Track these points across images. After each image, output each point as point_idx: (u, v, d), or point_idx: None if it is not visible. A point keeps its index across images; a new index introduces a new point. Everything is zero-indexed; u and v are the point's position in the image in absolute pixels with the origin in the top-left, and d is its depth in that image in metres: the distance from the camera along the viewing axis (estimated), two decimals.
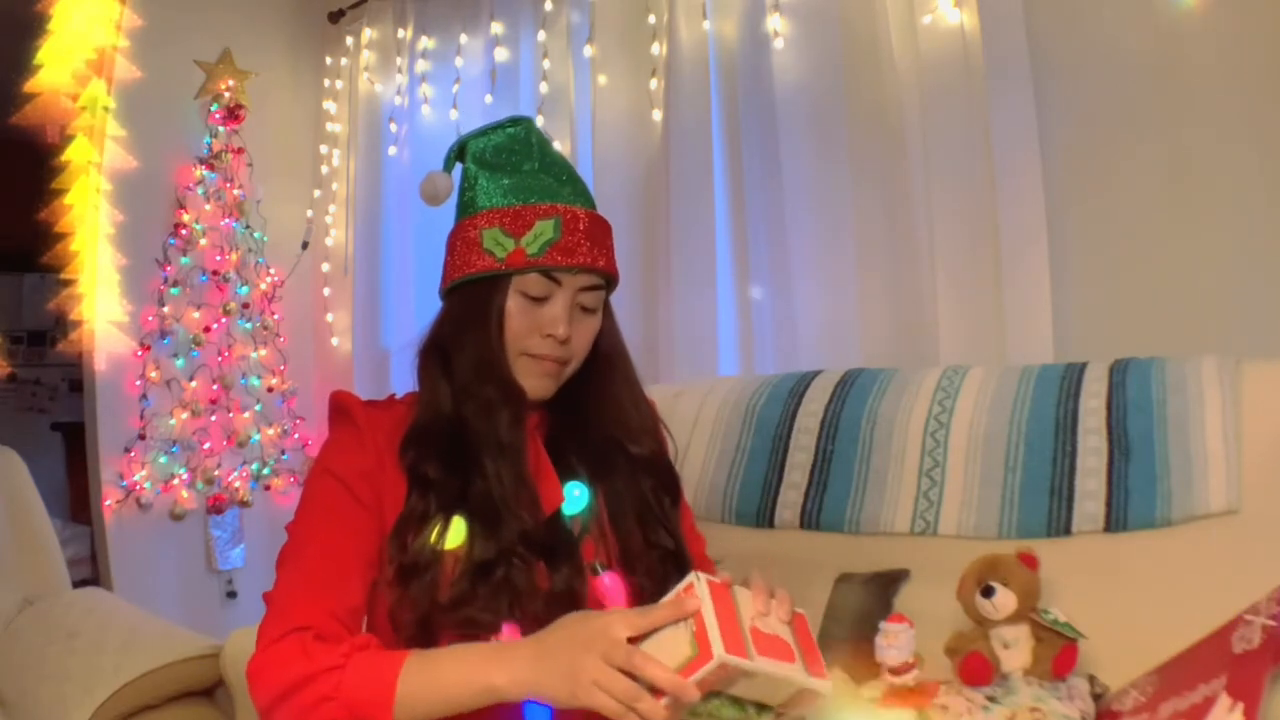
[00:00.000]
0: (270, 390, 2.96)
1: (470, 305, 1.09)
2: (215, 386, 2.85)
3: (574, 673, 0.85)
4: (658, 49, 2.32)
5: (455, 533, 1.02)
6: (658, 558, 1.11)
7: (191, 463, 2.81)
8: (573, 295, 1.08)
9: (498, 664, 0.90)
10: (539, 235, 1.06)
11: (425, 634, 0.99)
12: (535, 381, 1.09)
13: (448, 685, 0.92)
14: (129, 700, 1.80)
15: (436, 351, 1.11)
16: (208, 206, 2.86)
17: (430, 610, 0.99)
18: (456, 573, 1.00)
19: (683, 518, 1.19)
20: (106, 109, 2.67)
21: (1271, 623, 0.87)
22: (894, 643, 1.06)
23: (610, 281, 1.14)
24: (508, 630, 0.98)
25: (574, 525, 1.08)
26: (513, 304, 1.07)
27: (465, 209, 1.12)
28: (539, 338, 1.07)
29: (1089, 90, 1.80)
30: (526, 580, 1.00)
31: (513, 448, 1.06)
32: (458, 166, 1.16)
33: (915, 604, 1.26)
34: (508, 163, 1.12)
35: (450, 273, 1.11)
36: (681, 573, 0.99)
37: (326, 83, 3.13)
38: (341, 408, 1.12)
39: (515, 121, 1.15)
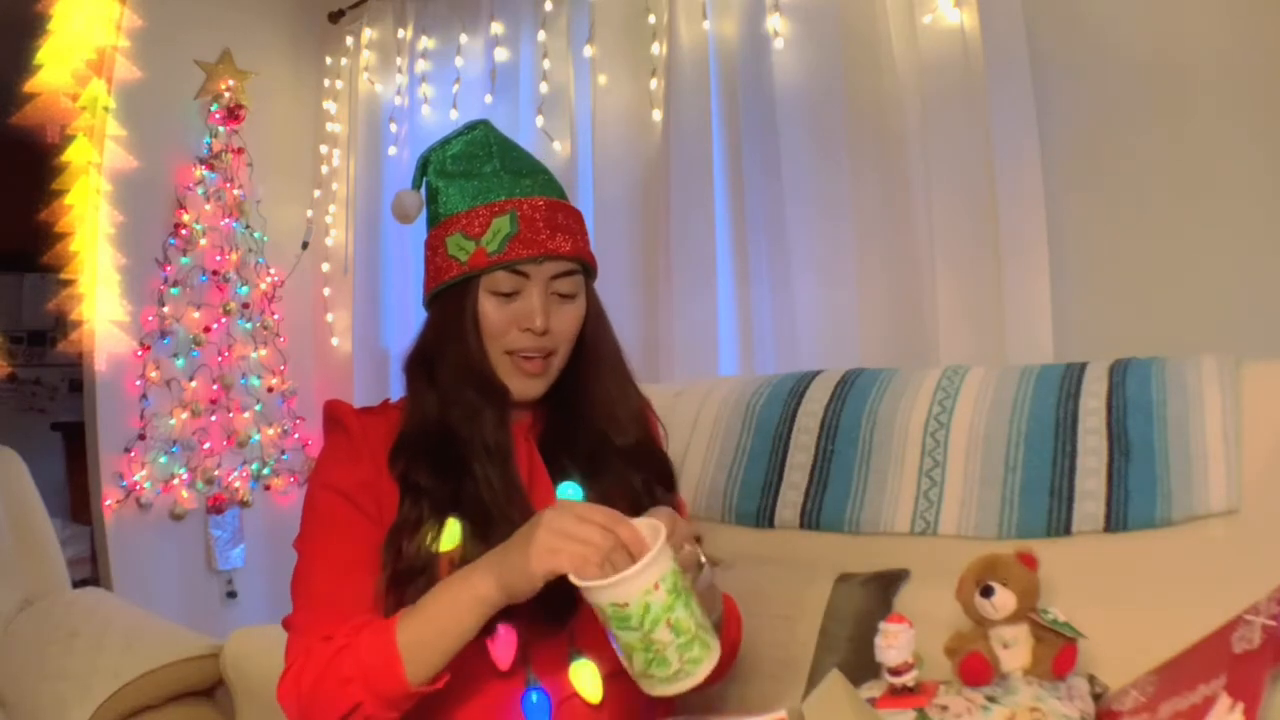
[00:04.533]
0: (270, 390, 2.96)
1: (446, 313, 1.10)
2: (215, 386, 2.85)
3: (527, 549, 0.88)
4: (658, 49, 2.32)
5: (450, 535, 1.02)
6: None
7: (191, 463, 2.81)
8: (544, 285, 1.08)
9: (474, 577, 0.93)
10: (497, 232, 1.06)
11: None
12: (521, 383, 1.09)
13: (440, 615, 0.94)
14: (129, 700, 1.80)
15: (420, 361, 1.12)
16: (208, 206, 2.86)
17: None
18: (450, 573, 1.00)
19: (677, 509, 1.19)
20: (106, 109, 2.67)
21: (1271, 623, 0.87)
22: (893, 643, 1.06)
23: (587, 266, 1.13)
24: (503, 631, 0.98)
25: None
26: (485, 304, 1.08)
27: (432, 221, 1.14)
28: (518, 332, 1.07)
29: (1089, 90, 1.80)
30: None
31: (499, 449, 1.07)
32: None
33: (915, 604, 1.26)
34: (469, 169, 1.12)
35: (426, 285, 1.13)
36: None
37: (326, 83, 3.14)
38: (335, 417, 1.12)
39: (472, 126, 1.16)
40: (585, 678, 1.02)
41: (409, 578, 1.01)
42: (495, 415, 1.07)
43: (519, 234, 1.06)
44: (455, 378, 1.08)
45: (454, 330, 1.08)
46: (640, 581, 0.84)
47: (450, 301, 1.09)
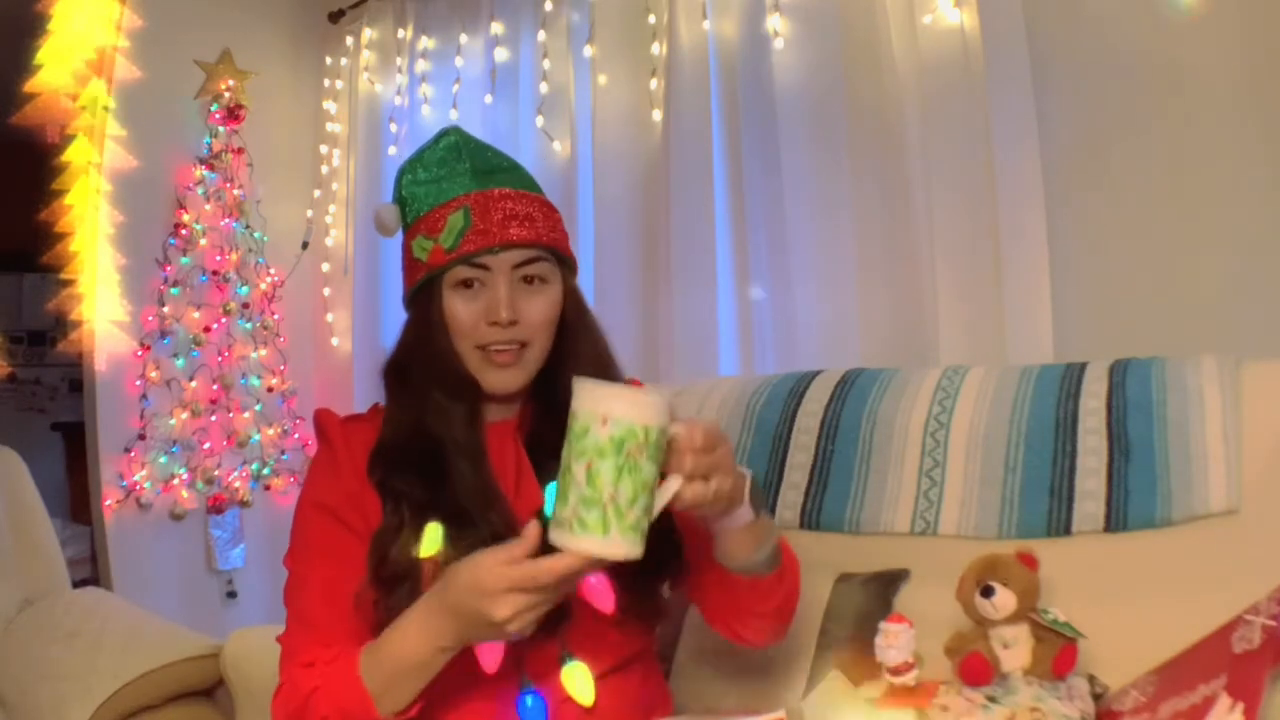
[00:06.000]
0: (270, 390, 2.96)
1: (417, 316, 1.11)
2: (215, 386, 2.85)
3: (492, 622, 0.89)
4: (658, 49, 2.32)
5: (430, 540, 1.02)
6: None
7: (191, 463, 2.81)
8: (508, 274, 1.07)
9: (436, 634, 0.94)
10: (451, 228, 1.07)
11: None
12: (496, 376, 1.09)
13: (406, 668, 0.96)
14: (129, 700, 1.80)
15: (396, 367, 1.13)
16: (208, 206, 2.86)
17: None
18: (434, 577, 1.01)
19: None
20: (106, 109, 2.67)
21: (1271, 623, 0.87)
22: (893, 643, 1.06)
23: (562, 257, 1.12)
24: None
25: None
26: (452, 301, 1.08)
27: (405, 228, 1.14)
28: (486, 327, 1.07)
29: (1089, 90, 1.80)
30: None
31: (470, 446, 1.07)
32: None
33: (915, 604, 1.26)
34: (439, 174, 1.13)
35: (404, 292, 1.14)
36: (672, 551, 1.04)
37: (326, 83, 3.13)
38: (319, 429, 1.14)
39: (444, 134, 1.16)
40: (577, 680, 1.02)
41: (393, 583, 1.02)
42: (465, 412, 1.08)
43: (473, 227, 1.07)
44: (426, 378, 1.09)
45: (424, 331, 1.09)
46: (597, 403, 0.79)
47: (420, 304, 1.10)
